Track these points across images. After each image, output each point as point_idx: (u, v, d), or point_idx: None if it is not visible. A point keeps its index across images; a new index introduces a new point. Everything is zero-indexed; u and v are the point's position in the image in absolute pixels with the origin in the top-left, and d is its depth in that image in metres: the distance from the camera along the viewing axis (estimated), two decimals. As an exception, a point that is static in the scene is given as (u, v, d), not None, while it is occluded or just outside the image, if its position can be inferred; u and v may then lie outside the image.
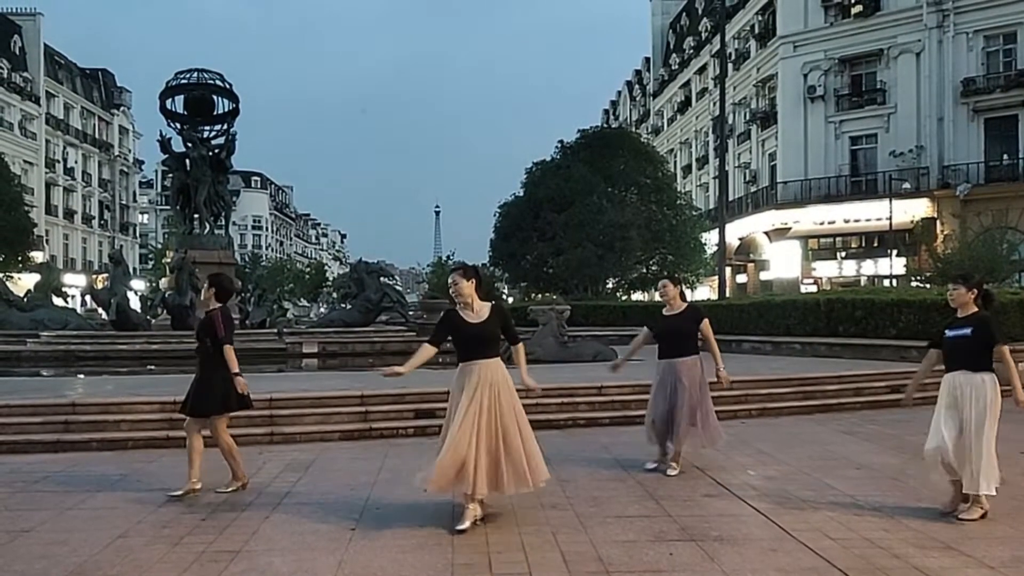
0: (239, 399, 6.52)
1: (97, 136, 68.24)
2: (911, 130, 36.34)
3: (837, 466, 7.52)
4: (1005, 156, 34.85)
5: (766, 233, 40.32)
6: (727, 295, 28.38)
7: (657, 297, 41.72)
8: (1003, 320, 14.37)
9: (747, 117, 44.73)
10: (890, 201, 33.23)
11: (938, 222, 34.79)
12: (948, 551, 4.93)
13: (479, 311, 5.79)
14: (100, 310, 25.46)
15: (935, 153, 35.76)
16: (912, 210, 34.95)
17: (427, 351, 5.85)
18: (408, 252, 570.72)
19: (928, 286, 25.41)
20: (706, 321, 7.46)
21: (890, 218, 33.04)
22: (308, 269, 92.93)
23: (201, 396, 6.48)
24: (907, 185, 34.51)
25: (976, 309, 5.90)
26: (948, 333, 5.96)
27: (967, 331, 5.81)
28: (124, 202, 73.35)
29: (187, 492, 6.37)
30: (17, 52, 57.39)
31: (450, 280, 5.86)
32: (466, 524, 5.42)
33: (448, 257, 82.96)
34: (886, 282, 33.29)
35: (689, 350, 7.35)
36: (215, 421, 6.51)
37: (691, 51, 53.90)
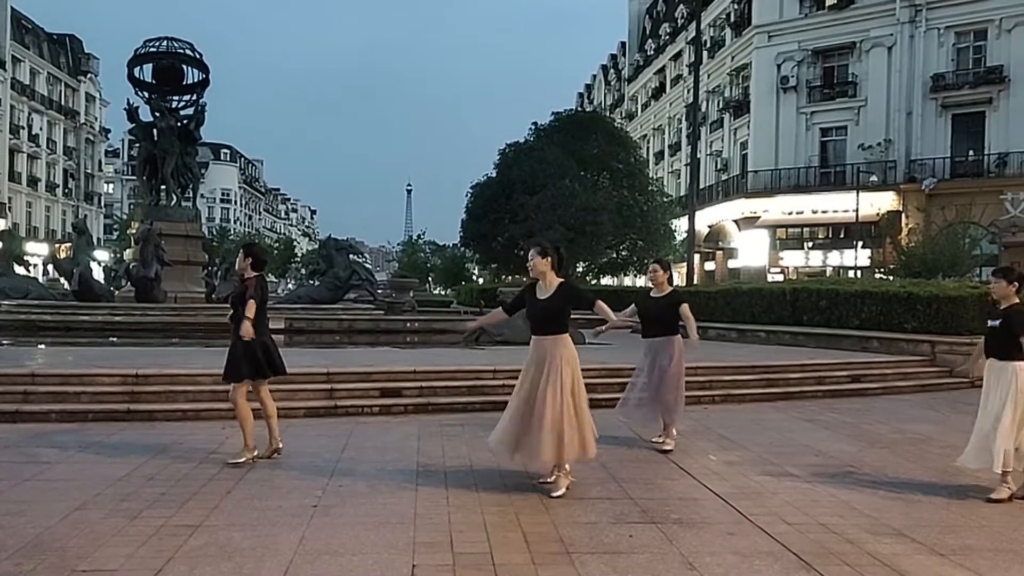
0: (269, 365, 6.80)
1: (63, 103, 66.75)
2: (880, 124, 36.74)
3: (796, 453, 7.64)
4: (971, 152, 35.37)
5: (735, 221, 40.63)
6: (695, 282, 28.60)
7: (627, 282, 41.75)
8: (962, 314, 14.69)
9: (720, 105, 44.92)
10: (857, 193, 33.61)
11: (903, 215, 35.26)
12: (900, 537, 5.04)
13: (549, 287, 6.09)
14: (62, 280, 25.06)
15: (903, 147, 36.22)
16: (879, 203, 35.40)
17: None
18: (378, 230, 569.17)
19: (892, 278, 25.77)
20: (685, 305, 7.86)
21: (857, 210, 33.43)
22: (277, 244, 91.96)
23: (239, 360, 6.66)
24: (875, 178, 34.90)
25: (1016, 301, 6.15)
26: (988, 323, 6.27)
27: (998, 322, 6.11)
28: (89, 171, 71.98)
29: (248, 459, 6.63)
30: (-19, 15, 55.84)
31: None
32: (558, 491, 5.83)
33: (419, 236, 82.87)
34: (851, 273, 33.74)
35: (672, 330, 7.87)
36: (237, 387, 6.72)
37: (667, 37, 53.93)
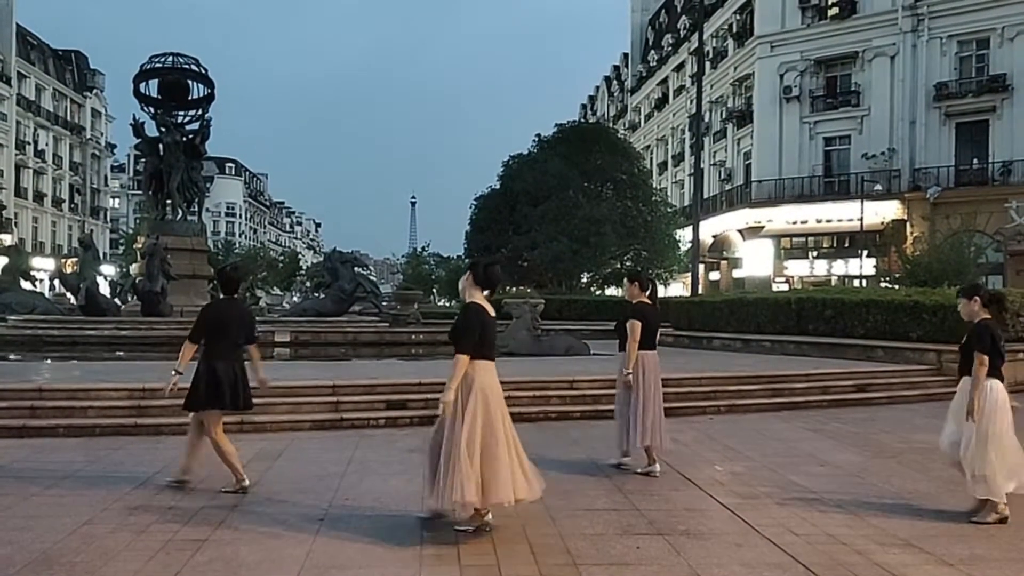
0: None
1: (69, 119, 67.10)
2: (884, 132, 36.73)
3: (802, 463, 7.62)
4: (975, 160, 35.33)
5: (740, 231, 40.61)
6: (700, 292, 28.57)
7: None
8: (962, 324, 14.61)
9: (723, 115, 44.95)
10: (861, 202, 33.60)
11: (908, 224, 35.22)
12: (908, 548, 5.02)
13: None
14: (69, 295, 25.10)
15: (906, 156, 36.18)
16: (883, 212, 35.38)
17: None
18: (383, 242, 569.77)
19: (897, 287, 25.70)
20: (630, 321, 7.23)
21: (861, 219, 33.41)
22: (282, 257, 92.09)
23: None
24: (879, 187, 34.90)
25: (984, 316, 6.03)
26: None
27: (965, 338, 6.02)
28: (95, 186, 72.27)
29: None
30: (-12, 32, 56.20)
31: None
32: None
33: (423, 248, 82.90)
34: (856, 282, 33.69)
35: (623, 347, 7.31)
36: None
37: (669, 48, 54.01)
